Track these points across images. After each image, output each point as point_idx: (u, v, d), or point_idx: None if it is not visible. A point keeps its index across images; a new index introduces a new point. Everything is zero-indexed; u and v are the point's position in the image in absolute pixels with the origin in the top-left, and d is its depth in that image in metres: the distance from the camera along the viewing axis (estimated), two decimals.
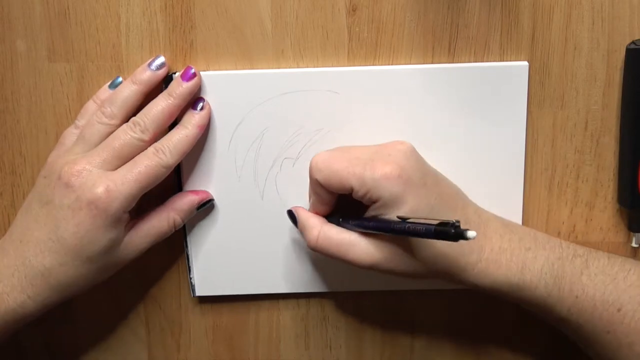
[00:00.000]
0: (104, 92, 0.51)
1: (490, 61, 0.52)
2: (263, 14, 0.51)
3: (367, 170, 0.46)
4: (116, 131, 0.49)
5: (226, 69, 0.52)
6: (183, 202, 0.52)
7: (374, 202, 0.46)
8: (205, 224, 0.54)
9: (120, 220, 0.48)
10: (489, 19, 0.51)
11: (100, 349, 0.58)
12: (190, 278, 0.55)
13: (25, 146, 0.54)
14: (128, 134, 0.49)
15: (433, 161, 0.50)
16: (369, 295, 0.57)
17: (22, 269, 0.48)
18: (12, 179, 0.55)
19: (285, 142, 0.52)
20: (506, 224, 0.50)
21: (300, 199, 0.53)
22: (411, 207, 0.45)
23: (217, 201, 0.54)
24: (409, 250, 0.47)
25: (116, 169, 0.48)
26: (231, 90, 0.52)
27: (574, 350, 0.56)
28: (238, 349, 0.58)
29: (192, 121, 0.50)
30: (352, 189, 0.46)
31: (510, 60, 0.52)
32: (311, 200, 0.51)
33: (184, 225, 0.53)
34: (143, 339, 0.58)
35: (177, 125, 0.50)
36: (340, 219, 0.49)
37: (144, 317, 0.57)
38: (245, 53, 0.52)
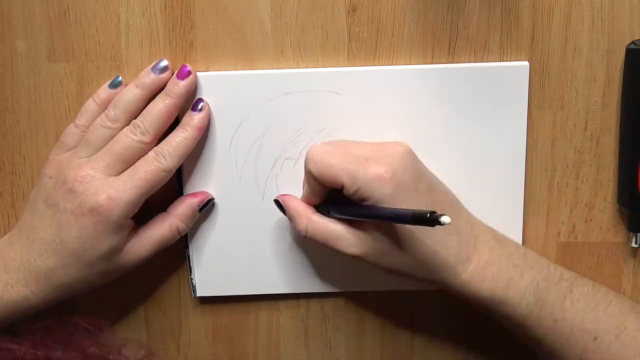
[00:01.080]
0: (104, 91, 0.51)
1: (490, 61, 0.52)
2: (263, 14, 0.51)
3: (360, 169, 0.46)
4: (118, 135, 0.49)
5: (226, 69, 0.52)
6: (183, 207, 0.52)
7: (363, 200, 0.46)
8: (206, 224, 0.54)
9: (123, 226, 0.48)
10: (489, 19, 0.51)
11: None
12: (191, 279, 0.55)
13: (25, 146, 0.54)
14: (129, 137, 0.49)
15: (433, 161, 0.50)
16: (369, 295, 0.56)
17: (27, 265, 0.49)
18: (12, 178, 0.55)
19: (285, 143, 0.52)
20: (498, 238, 0.51)
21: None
22: None
23: (217, 202, 0.53)
24: (397, 247, 0.47)
25: (120, 172, 0.49)
26: (231, 91, 0.51)
27: None
28: (238, 349, 0.58)
29: (191, 123, 0.50)
30: (343, 186, 0.46)
31: (510, 60, 0.52)
32: (304, 190, 0.51)
33: None
34: (143, 339, 0.57)
35: (177, 128, 0.50)
36: (330, 209, 0.49)
37: (144, 317, 0.57)
38: (245, 53, 0.52)
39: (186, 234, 0.54)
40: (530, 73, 0.52)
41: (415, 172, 0.47)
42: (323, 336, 0.58)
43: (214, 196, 0.53)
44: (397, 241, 0.47)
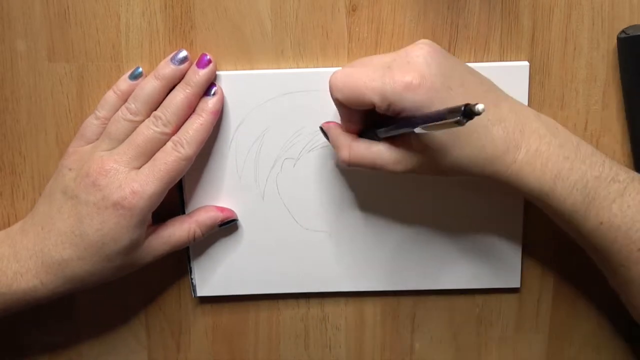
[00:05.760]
0: (124, 82, 0.51)
1: (490, 61, 0.52)
2: (263, 14, 0.51)
3: (387, 82, 0.43)
4: (139, 127, 0.49)
5: (226, 69, 0.52)
6: (206, 217, 0.52)
7: (398, 114, 0.44)
8: None
9: (145, 221, 0.49)
10: (489, 19, 0.51)
11: (100, 349, 0.58)
12: (192, 279, 0.55)
13: (25, 146, 0.54)
14: (150, 129, 0.49)
15: None
16: (369, 295, 0.57)
17: (40, 255, 0.49)
18: (12, 179, 0.55)
19: (285, 143, 0.52)
20: (548, 125, 0.47)
21: (302, 199, 0.53)
22: None
23: (218, 202, 0.54)
24: (444, 152, 0.45)
25: (142, 165, 0.49)
26: (231, 91, 0.51)
27: (573, 351, 0.56)
28: (238, 349, 0.58)
29: (206, 108, 0.50)
30: (374, 105, 0.44)
31: (510, 60, 0.52)
32: (341, 120, 0.48)
33: None
34: (143, 340, 0.58)
35: (192, 115, 0.50)
36: (376, 132, 0.47)
37: (144, 317, 0.57)
38: (245, 53, 0.52)
39: None
40: (530, 73, 0.52)
41: (443, 70, 0.44)
42: (323, 336, 0.58)
43: (213, 196, 0.53)
44: (443, 145, 0.45)
